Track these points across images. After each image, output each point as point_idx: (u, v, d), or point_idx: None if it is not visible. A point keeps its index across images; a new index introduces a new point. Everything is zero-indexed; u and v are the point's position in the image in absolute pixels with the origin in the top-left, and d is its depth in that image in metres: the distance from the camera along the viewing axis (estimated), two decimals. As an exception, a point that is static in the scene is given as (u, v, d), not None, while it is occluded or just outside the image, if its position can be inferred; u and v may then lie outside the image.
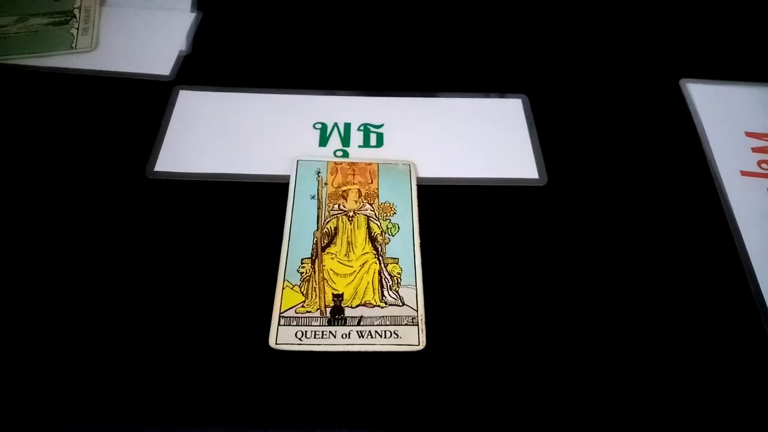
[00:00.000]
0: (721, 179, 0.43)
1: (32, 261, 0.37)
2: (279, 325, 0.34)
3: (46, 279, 0.36)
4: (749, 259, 0.39)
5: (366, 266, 0.37)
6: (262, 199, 0.41)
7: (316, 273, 0.37)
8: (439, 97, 0.49)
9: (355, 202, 0.41)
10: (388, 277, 0.37)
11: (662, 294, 0.37)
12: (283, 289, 0.36)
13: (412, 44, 0.53)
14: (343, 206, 0.40)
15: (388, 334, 0.34)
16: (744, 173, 0.44)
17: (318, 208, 0.40)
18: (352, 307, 0.35)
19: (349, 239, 0.39)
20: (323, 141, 0.45)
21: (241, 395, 0.32)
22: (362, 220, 0.40)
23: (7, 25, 0.51)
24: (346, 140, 0.45)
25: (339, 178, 0.42)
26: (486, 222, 0.41)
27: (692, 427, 0.32)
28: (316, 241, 0.38)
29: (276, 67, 0.50)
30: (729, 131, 0.47)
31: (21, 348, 0.34)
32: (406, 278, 0.37)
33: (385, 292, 0.36)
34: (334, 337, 0.34)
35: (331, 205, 0.40)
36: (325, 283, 0.36)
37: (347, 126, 0.46)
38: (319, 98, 0.48)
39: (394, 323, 0.35)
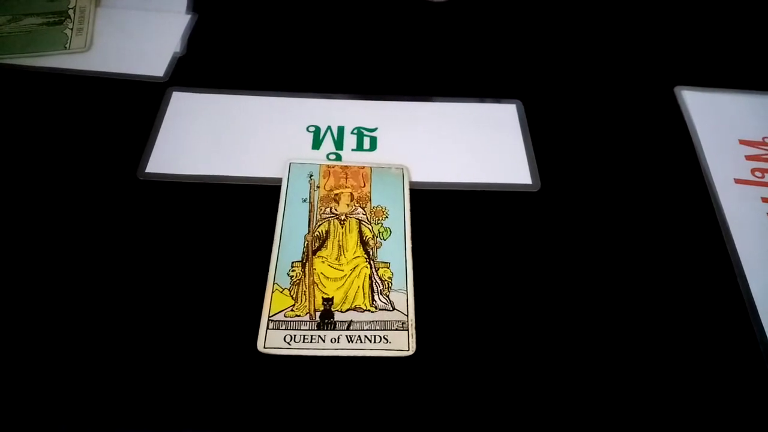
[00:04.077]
0: (714, 187, 0.43)
1: (21, 262, 0.37)
2: (268, 328, 0.34)
3: (35, 280, 0.36)
4: (742, 266, 0.39)
5: (357, 270, 0.37)
6: (254, 202, 0.41)
7: (306, 276, 0.37)
8: (434, 101, 0.48)
9: (347, 205, 0.40)
10: (379, 282, 0.37)
11: (655, 301, 0.37)
12: (272, 292, 0.36)
13: (407, 48, 0.53)
14: (335, 210, 0.40)
15: (377, 338, 0.34)
16: (738, 181, 0.44)
17: (310, 212, 0.40)
18: (341, 312, 0.35)
19: (341, 243, 0.38)
20: (316, 144, 0.45)
21: (229, 399, 0.32)
22: (354, 223, 0.40)
23: (0, 25, 0.51)
24: (339, 143, 0.45)
25: (331, 182, 0.42)
26: (478, 227, 0.40)
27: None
28: (307, 244, 0.38)
29: (270, 69, 0.50)
30: (723, 139, 0.47)
31: (7, 351, 0.33)
32: (397, 283, 0.37)
33: (376, 297, 0.36)
34: (323, 341, 0.34)
35: (323, 208, 0.40)
36: (315, 287, 0.36)
37: (341, 129, 0.46)
38: (313, 101, 0.48)
39: (384, 328, 0.35)
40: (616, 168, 0.45)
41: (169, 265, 0.37)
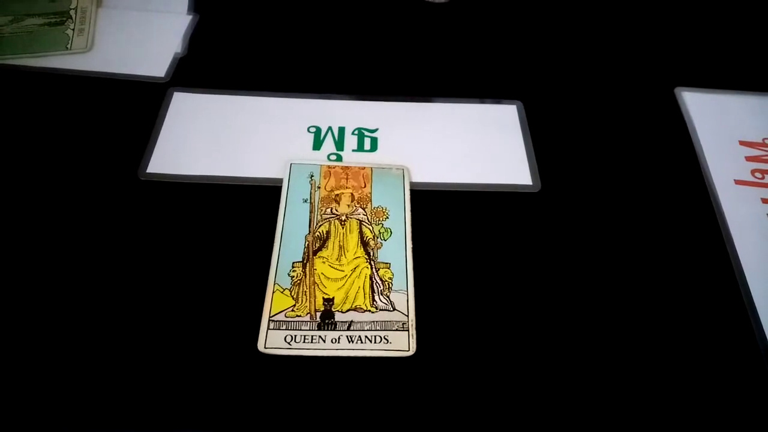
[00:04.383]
0: (714, 188, 0.43)
1: (22, 262, 0.37)
2: (268, 329, 0.34)
3: (36, 280, 0.36)
4: (742, 267, 0.39)
5: (357, 271, 0.37)
6: (255, 202, 0.41)
7: (307, 277, 0.37)
8: (434, 102, 0.49)
9: (348, 206, 0.41)
10: (380, 282, 0.37)
11: (655, 303, 0.37)
12: (273, 292, 0.36)
13: (408, 49, 0.53)
14: (336, 210, 0.40)
15: (378, 339, 0.34)
16: (738, 182, 0.44)
17: (310, 212, 0.40)
18: (342, 312, 0.35)
19: (341, 243, 0.39)
20: (317, 144, 0.45)
21: (229, 400, 0.32)
22: (354, 224, 0.40)
23: (2, 25, 0.51)
24: (340, 144, 0.45)
25: (332, 182, 0.42)
26: (479, 228, 0.40)
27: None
28: (308, 244, 0.38)
29: (271, 70, 0.50)
30: (723, 140, 0.47)
31: (7, 351, 0.33)
32: (398, 283, 0.37)
33: (376, 297, 0.36)
34: (324, 341, 0.34)
35: (324, 208, 0.40)
36: (316, 287, 0.36)
37: (341, 130, 0.46)
38: (313, 102, 0.48)
39: (385, 328, 0.35)
40: (616, 169, 0.45)
41: (170, 265, 0.37)
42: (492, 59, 0.53)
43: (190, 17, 0.54)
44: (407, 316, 0.35)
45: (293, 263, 0.37)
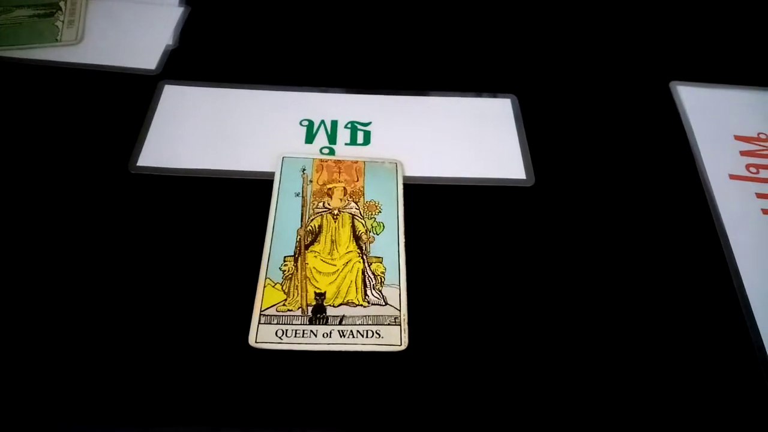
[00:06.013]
0: (709, 182, 0.43)
1: (9, 256, 0.37)
2: (259, 323, 0.34)
3: (24, 275, 0.36)
4: (736, 262, 0.39)
5: (349, 265, 0.37)
6: (246, 196, 0.40)
7: (299, 271, 0.36)
8: (428, 95, 0.48)
9: (340, 200, 0.40)
10: (372, 277, 0.36)
11: (649, 297, 0.37)
12: (264, 286, 0.35)
13: (401, 42, 0.53)
14: (328, 204, 0.40)
15: (370, 333, 0.34)
16: (732, 177, 0.44)
17: (302, 206, 0.40)
18: (334, 306, 0.35)
19: (333, 237, 0.38)
20: (309, 138, 0.44)
21: (220, 394, 0.32)
22: (347, 218, 0.39)
23: (-9, 17, 0.51)
24: (332, 138, 0.44)
25: (324, 176, 0.41)
26: (472, 222, 0.40)
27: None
28: (300, 238, 0.38)
29: (263, 62, 0.50)
30: (718, 134, 0.46)
31: (-5, 344, 0.33)
32: (390, 278, 0.36)
33: (368, 292, 0.36)
34: (315, 336, 0.34)
35: (316, 202, 0.40)
36: (308, 282, 0.36)
37: (334, 123, 0.45)
38: (306, 95, 0.47)
39: (377, 323, 0.34)
40: (610, 163, 0.44)
41: (161, 259, 0.37)
42: (486, 52, 0.52)
43: (181, 9, 0.54)
44: (399, 310, 0.35)
45: (285, 257, 0.37)
